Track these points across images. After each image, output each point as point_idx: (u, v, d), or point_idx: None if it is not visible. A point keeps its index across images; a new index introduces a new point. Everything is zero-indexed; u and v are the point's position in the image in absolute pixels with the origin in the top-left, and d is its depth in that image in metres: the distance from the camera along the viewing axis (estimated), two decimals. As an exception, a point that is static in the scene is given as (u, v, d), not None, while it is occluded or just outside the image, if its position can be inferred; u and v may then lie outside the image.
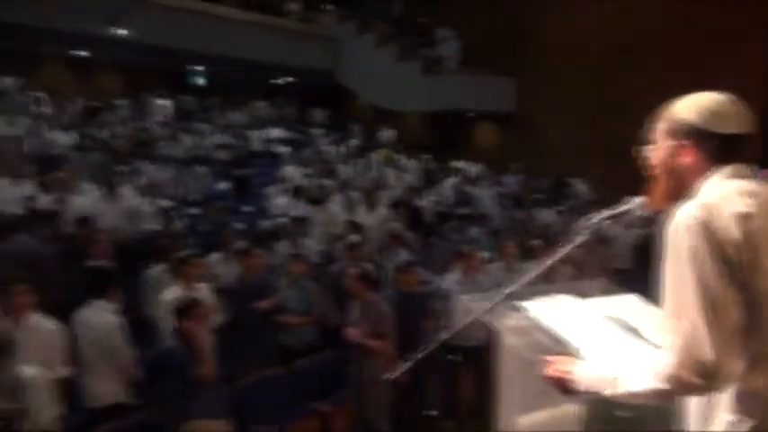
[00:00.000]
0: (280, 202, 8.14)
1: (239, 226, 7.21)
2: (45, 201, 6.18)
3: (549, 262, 1.49)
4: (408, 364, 1.50)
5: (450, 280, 4.99)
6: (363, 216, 7.50)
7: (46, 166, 7.76)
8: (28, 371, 2.68)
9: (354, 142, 12.84)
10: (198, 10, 13.12)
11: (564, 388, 1.33)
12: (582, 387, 1.30)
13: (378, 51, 14.38)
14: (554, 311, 1.51)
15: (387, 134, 14.30)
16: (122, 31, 10.94)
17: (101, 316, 3.88)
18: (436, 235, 7.44)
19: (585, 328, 1.42)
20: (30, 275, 4.03)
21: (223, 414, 3.66)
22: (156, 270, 5.12)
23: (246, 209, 9.58)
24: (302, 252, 5.71)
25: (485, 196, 9.68)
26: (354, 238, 5.80)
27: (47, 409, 2.71)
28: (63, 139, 9.48)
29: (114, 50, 12.48)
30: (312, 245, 6.37)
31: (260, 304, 4.68)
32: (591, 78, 11.91)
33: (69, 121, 11.09)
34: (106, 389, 3.91)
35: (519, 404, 1.68)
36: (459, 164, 11.51)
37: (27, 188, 6.89)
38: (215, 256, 5.63)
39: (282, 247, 6.13)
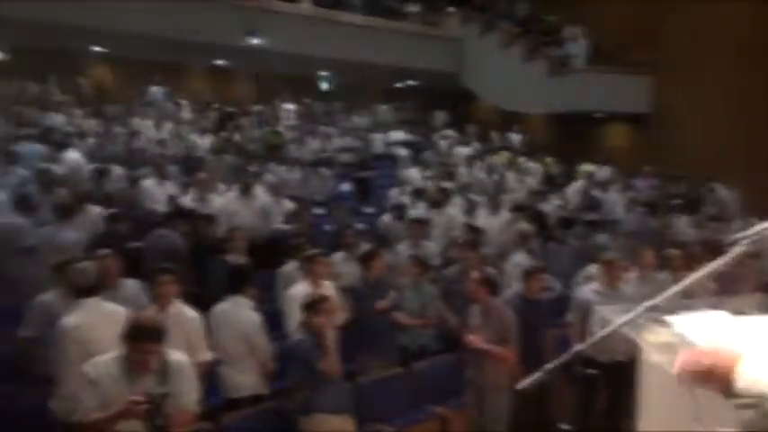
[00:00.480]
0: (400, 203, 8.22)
1: (361, 226, 7.38)
2: (186, 200, 6.70)
3: (701, 273, 1.35)
4: (540, 375, 1.43)
5: (588, 289, 4.78)
6: (484, 219, 7.40)
7: (187, 168, 8.45)
8: (174, 355, 2.83)
9: (476, 145, 12.70)
10: (324, 17, 13.66)
11: (720, 382, 1.13)
12: (743, 384, 1.11)
13: (502, 52, 14.12)
14: (706, 328, 1.38)
15: (509, 136, 14.01)
16: (257, 41, 11.63)
17: (241, 311, 4.08)
18: (559, 241, 7.17)
19: (744, 346, 1.28)
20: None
21: (345, 409, 3.74)
22: (288, 267, 5.35)
23: (368, 210, 9.84)
24: (422, 254, 5.74)
25: (614, 201, 9.17)
26: (470, 240, 5.70)
27: (191, 393, 2.83)
28: (202, 143, 10.23)
29: (249, 59, 13.31)
30: (432, 247, 6.37)
31: (379, 304, 4.74)
32: (734, 74, 10.90)
33: (208, 126, 11.97)
34: (246, 381, 4.12)
35: (661, 426, 1.56)
36: (587, 167, 10.99)
37: (171, 188, 7.56)
38: (338, 256, 5.80)
39: (403, 248, 6.20)
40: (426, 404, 4.56)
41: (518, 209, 8.08)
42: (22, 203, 5.85)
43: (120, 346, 2.73)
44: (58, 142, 8.82)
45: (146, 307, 3.99)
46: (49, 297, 4.09)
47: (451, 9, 16.33)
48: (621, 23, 12.70)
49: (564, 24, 13.25)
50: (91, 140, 9.39)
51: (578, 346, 1.48)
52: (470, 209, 7.63)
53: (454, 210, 7.66)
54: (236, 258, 5.21)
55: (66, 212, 5.51)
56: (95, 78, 13.43)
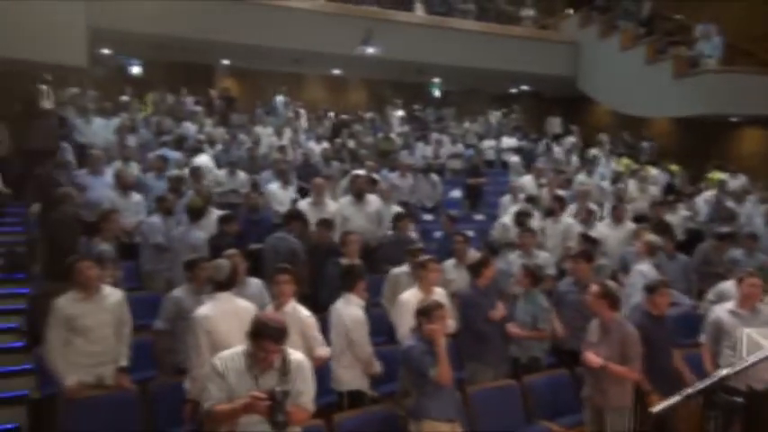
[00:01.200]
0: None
1: (471, 234, 7.30)
2: (303, 204, 6.97)
3: None
4: (679, 400, 1.33)
5: (723, 308, 4.45)
6: (604, 230, 7.05)
7: (305, 174, 8.78)
8: (294, 355, 2.91)
9: (594, 151, 12.17)
10: (437, 25, 13.70)
11: None
12: None
13: (623, 55, 13.45)
14: None
15: (630, 142, 13.28)
16: (371, 50, 11.88)
17: (350, 309, 4.20)
18: (686, 254, 6.69)
19: None
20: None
21: (456, 418, 3.70)
22: (396, 271, 5.43)
23: (478, 217, 9.71)
24: (536, 264, 5.57)
25: (751, 213, 8.38)
26: (584, 251, 5.44)
27: (309, 392, 2.90)
28: (317, 149, 10.60)
29: (363, 67, 13.63)
30: (547, 257, 6.16)
31: (493, 314, 4.65)
32: None
33: (323, 133, 12.38)
34: (348, 375, 4.23)
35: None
36: (718, 175, 10.15)
37: (292, 192, 7.89)
38: (449, 262, 5.78)
39: (515, 257, 6.05)
40: (538, 420, 4.42)
41: (640, 219, 7.64)
42: (158, 205, 6.35)
43: (246, 342, 2.84)
44: (191, 149, 9.53)
45: (266, 305, 4.24)
46: (179, 292, 4.44)
47: (569, 11, 15.81)
48: (752, 19, 11.65)
49: (692, 23, 12.36)
50: (218, 147, 10.02)
51: (725, 371, 1.36)
52: (587, 218, 7.30)
53: (570, 219, 7.36)
54: (351, 260, 5.30)
55: (195, 214, 5.91)
56: (223, 89, 14.34)
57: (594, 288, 4.11)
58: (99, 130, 9.77)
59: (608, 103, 14.43)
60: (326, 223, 6.05)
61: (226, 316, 3.65)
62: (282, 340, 2.80)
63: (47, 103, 11.21)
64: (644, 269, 5.54)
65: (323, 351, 4.00)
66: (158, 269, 6.06)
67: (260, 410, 2.63)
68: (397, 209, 7.44)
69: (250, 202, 6.96)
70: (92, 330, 4.03)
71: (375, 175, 8.65)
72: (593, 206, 7.71)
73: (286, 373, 2.82)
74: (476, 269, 4.64)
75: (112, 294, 4.21)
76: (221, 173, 8.53)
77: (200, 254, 5.07)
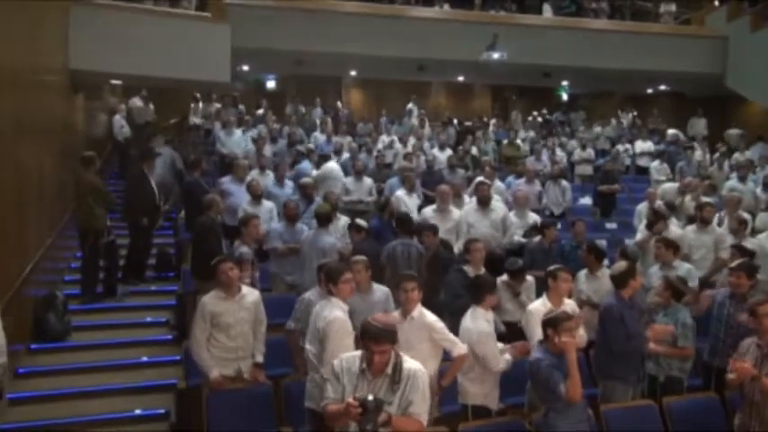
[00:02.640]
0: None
1: (603, 242, 6.93)
2: (428, 211, 7.00)
3: None
4: None
5: None
6: (761, 242, 6.40)
7: (429, 181, 8.82)
8: (409, 363, 2.86)
9: (747, 154, 11.10)
10: (565, 26, 13.19)
11: None
12: None
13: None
14: None
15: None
16: (496, 55, 11.71)
17: (477, 324, 4.14)
18: None
19: None
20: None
21: (586, 437, 3.55)
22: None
23: (610, 225, 9.21)
24: (678, 276, 5.15)
25: None
26: (744, 264, 4.94)
27: (421, 403, 2.83)
28: (442, 157, 10.61)
29: (487, 73, 13.46)
30: (689, 269, 5.68)
31: (634, 328, 4.34)
32: None
33: (446, 140, 12.36)
34: (474, 389, 4.16)
35: None
36: None
37: (417, 199, 7.97)
38: (581, 273, 5.55)
39: (656, 269, 5.66)
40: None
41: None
42: (284, 211, 6.72)
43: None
44: (320, 157, 9.94)
45: (391, 311, 4.30)
46: (311, 294, 4.61)
47: (716, 3, 14.57)
48: None
49: None
50: (345, 155, 10.36)
51: None
52: (740, 228, 6.65)
53: (720, 228, 6.76)
54: (474, 270, 5.27)
55: (324, 220, 6.15)
56: (350, 99, 14.86)
57: (752, 303, 3.73)
58: (239, 140, 10.48)
59: (763, 102, 13.08)
60: (433, 229, 6.06)
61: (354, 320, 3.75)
62: (389, 342, 2.78)
63: (195, 118, 12.31)
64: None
65: (461, 349, 3.96)
66: (281, 272, 6.36)
67: (352, 417, 2.65)
68: (534, 216, 7.34)
69: (390, 208, 7.15)
70: (232, 327, 4.26)
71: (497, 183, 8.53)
72: (745, 215, 7.01)
73: (397, 380, 2.80)
74: (621, 279, 4.35)
75: (250, 294, 4.43)
76: (349, 180, 8.80)
77: (330, 258, 5.25)
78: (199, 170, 7.99)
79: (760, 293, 4.80)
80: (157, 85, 11.38)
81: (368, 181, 8.83)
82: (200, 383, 4.45)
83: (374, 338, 2.75)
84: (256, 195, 7.17)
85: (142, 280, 7.59)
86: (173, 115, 12.25)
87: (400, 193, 7.88)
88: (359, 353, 2.90)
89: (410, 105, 13.93)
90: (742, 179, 9.32)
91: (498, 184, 8.85)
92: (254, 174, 8.26)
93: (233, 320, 4.27)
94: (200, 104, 12.74)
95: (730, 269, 4.93)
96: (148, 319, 6.72)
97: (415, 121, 13.19)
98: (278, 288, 6.37)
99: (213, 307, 4.25)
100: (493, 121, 14.82)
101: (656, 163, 11.14)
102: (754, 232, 7.09)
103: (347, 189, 8.59)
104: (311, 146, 10.76)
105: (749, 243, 6.29)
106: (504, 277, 5.46)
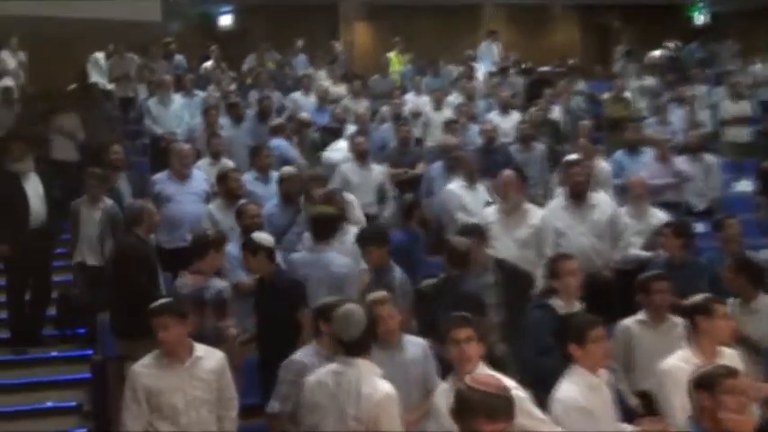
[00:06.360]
0: None
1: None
2: (491, 212, 6.98)
3: None
4: None
5: None
6: None
7: (487, 163, 8.76)
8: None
9: None
10: None
11: None
12: None
13: None
14: None
15: None
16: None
17: (578, 391, 4.16)
18: None
19: None
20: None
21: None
22: (630, 321, 5.50)
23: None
24: None
25: None
26: None
27: None
28: (506, 124, 10.68)
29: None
30: None
31: None
32: None
33: (512, 98, 12.26)
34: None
35: None
36: None
37: (482, 192, 7.93)
38: (730, 302, 5.43)
39: None
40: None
41: None
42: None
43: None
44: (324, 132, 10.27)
45: (432, 374, 4.62)
46: (301, 355, 4.56)
47: None
48: None
49: None
50: (350, 129, 10.41)
51: None
52: None
53: None
54: (567, 304, 5.29)
55: (325, 231, 6.15)
56: (354, 39, 14.79)
57: None
58: (178, 112, 10.64)
59: None
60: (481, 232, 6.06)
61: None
62: (501, 417, 2.92)
63: (99, 78, 12.28)
64: None
65: (554, 428, 4.08)
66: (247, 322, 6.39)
67: None
68: (660, 215, 7.32)
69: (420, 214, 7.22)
70: (182, 412, 4.33)
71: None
72: None
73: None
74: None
75: (209, 357, 4.53)
76: (347, 168, 8.86)
77: (346, 293, 5.44)
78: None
79: None
80: (38, 32, 11.42)
81: (377, 171, 8.91)
82: None
83: (489, 413, 2.91)
84: (235, 195, 7.23)
85: (35, 342, 7.60)
86: (64, 79, 12.28)
87: (454, 186, 7.88)
88: None
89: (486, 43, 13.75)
90: None
91: (602, 164, 8.81)
92: (203, 164, 8.37)
93: (182, 402, 4.32)
94: (102, 57, 12.87)
95: None
96: (49, 404, 6.74)
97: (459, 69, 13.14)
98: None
99: (150, 380, 4.31)
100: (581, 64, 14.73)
101: None
102: None
103: (346, 182, 8.63)
104: (306, 116, 10.76)
105: None
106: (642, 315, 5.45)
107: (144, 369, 4.34)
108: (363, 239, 6.08)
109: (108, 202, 7.61)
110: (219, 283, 5.54)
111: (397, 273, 5.93)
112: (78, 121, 10.09)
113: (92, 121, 10.39)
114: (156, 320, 4.32)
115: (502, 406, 2.94)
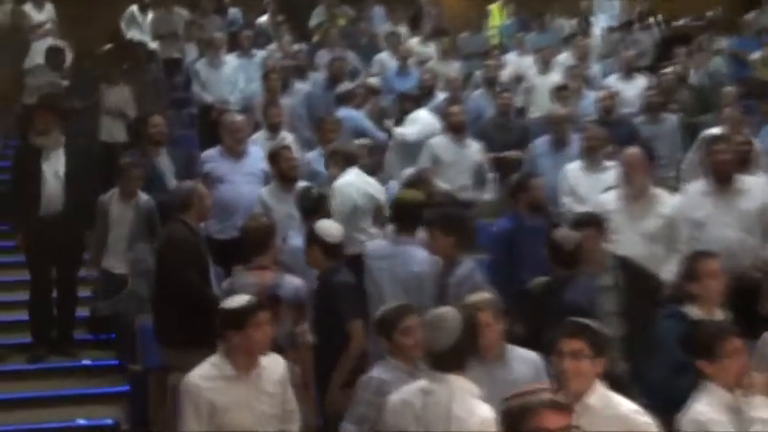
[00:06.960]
0: None
1: None
2: (609, 198, 7.05)
3: None
4: None
5: None
6: None
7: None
8: None
9: None
10: None
11: None
12: None
13: None
14: None
15: None
16: None
17: (708, 410, 4.29)
18: None
19: None
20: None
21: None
22: None
23: None
24: None
25: None
26: None
27: None
28: (630, 90, 10.87)
29: None
30: None
31: None
32: None
33: (636, 59, 12.37)
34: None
35: None
36: None
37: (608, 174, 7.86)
38: None
39: None
40: None
41: None
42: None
43: None
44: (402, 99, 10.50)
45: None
46: (378, 372, 4.71)
47: None
48: None
49: None
50: (439, 97, 10.38)
51: None
52: None
53: None
54: (705, 310, 5.30)
55: (412, 220, 6.35)
56: None
57: None
58: (232, 76, 10.73)
59: None
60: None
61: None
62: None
63: (136, 33, 12.35)
64: None
65: None
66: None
67: None
68: None
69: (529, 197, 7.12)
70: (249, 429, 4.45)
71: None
72: None
73: None
74: None
75: (274, 365, 4.67)
76: (439, 142, 8.93)
77: (425, 295, 5.84)
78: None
79: None
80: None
81: (474, 148, 8.80)
82: None
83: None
84: (289, 177, 7.23)
85: (62, 349, 7.72)
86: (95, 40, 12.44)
87: (574, 167, 7.89)
88: None
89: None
90: None
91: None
92: (260, 139, 8.37)
93: (249, 419, 4.45)
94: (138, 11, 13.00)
95: None
96: (81, 422, 6.82)
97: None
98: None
99: (214, 394, 4.39)
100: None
101: None
102: None
103: (437, 160, 8.64)
104: (374, 81, 10.69)
105: None
106: None
107: (206, 382, 4.41)
108: (430, 221, 6.15)
109: (143, 197, 7.61)
110: (294, 281, 5.70)
111: (464, 269, 5.91)
112: (128, 94, 10.23)
113: (140, 90, 10.53)
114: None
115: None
